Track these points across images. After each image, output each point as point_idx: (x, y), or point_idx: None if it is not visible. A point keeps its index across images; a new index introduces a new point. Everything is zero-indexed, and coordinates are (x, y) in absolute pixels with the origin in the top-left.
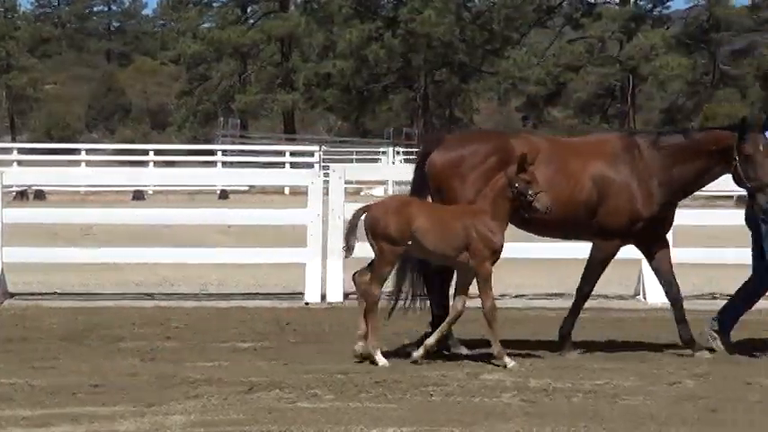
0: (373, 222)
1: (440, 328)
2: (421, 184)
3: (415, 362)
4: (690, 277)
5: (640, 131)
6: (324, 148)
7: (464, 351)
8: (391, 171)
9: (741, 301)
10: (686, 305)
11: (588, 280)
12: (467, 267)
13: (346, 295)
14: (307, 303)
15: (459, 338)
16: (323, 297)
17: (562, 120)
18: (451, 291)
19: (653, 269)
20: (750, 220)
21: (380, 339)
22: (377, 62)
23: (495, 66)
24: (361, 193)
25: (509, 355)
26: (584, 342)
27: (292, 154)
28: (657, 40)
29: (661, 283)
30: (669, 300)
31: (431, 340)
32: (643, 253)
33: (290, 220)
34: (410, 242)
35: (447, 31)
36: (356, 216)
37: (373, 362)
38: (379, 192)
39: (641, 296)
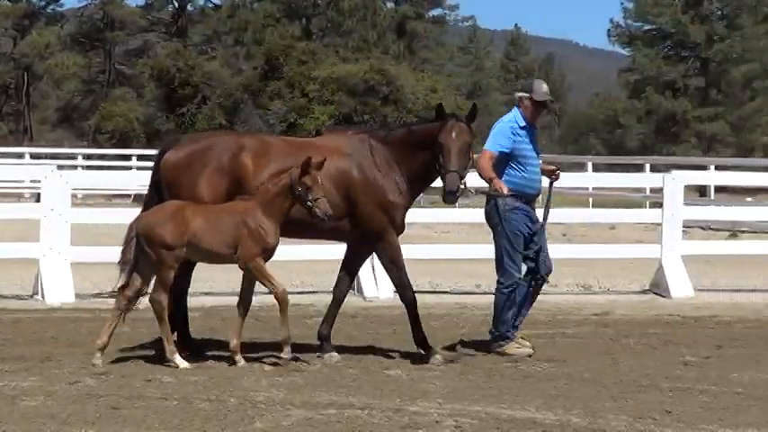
0: (148, 230)
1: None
2: (157, 185)
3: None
4: None
5: (372, 129)
6: None
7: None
8: None
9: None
10: None
11: (402, 283)
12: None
13: None
14: None
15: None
16: None
17: None
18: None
19: (344, 267)
20: (489, 219)
21: (174, 344)
22: None
23: None
24: None
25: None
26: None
27: None
28: (52, 38)
29: (342, 280)
30: (334, 295)
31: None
32: (349, 250)
33: None
34: (186, 247)
35: None
36: (132, 228)
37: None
38: None
39: (40, 296)
